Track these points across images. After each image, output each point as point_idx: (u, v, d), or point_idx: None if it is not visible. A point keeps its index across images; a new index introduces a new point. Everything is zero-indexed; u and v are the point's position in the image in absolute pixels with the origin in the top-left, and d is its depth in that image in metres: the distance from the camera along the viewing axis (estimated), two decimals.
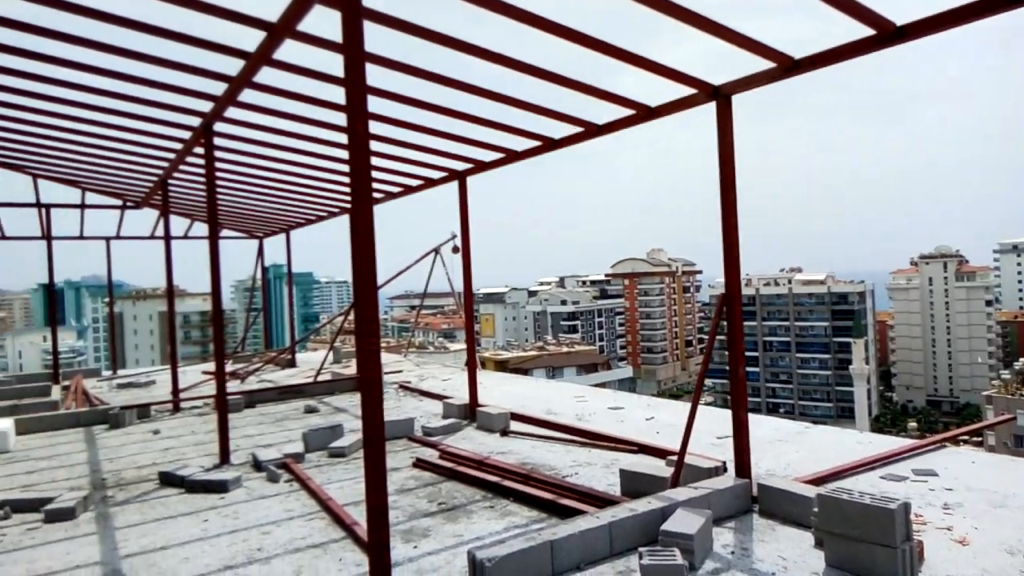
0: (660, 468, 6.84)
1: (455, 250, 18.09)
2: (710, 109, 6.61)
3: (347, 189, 13.00)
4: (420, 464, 8.22)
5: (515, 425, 10.09)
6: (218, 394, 8.89)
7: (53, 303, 17.67)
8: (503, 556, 4.69)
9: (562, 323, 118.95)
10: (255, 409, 12.83)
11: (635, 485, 6.55)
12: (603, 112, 7.79)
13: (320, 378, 15.35)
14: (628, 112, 7.49)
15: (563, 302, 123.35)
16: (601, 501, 6.30)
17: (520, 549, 4.79)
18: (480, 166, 10.46)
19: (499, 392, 13.15)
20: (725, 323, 6.57)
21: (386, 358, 20.80)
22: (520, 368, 58.92)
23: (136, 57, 6.83)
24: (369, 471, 4.28)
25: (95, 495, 7.60)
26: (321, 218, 16.89)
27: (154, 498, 7.44)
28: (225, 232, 19.67)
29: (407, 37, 5.90)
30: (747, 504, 6.07)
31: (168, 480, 7.89)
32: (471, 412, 10.81)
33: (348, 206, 14.99)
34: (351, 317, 16.61)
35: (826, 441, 8.44)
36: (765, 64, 6.00)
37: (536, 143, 9.07)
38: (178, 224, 18.14)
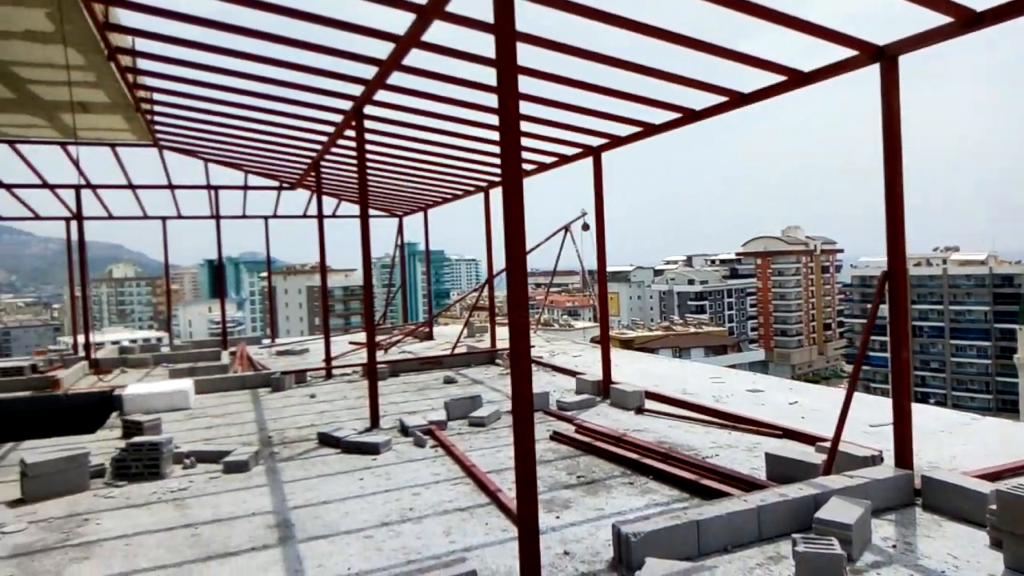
0: (809, 454, 6.55)
1: (585, 228, 18.02)
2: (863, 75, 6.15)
3: (484, 168, 13.33)
4: (557, 437, 8.36)
5: (649, 403, 9.99)
6: (369, 363, 9.47)
7: (222, 277, 19.52)
8: (648, 532, 4.70)
9: (689, 303, 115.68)
10: (398, 378, 13.55)
11: (782, 470, 6.31)
12: (747, 79, 7.44)
13: (456, 351, 15.93)
14: (777, 78, 7.10)
15: (690, 281, 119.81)
16: (746, 484, 6.14)
17: (665, 527, 4.78)
18: (616, 141, 10.33)
19: (630, 370, 13.06)
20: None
21: None
22: (645, 347, 58.00)
23: (293, 44, 7.28)
24: (518, 440, 4.41)
25: (264, 451, 8.37)
26: (457, 196, 17.38)
27: (315, 456, 8.08)
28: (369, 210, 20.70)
29: (531, 8, 5.86)
30: (909, 497, 5.68)
31: (326, 440, 8.54)
32: (604, 389, 10.82)
33: (484, 184, 15.36)
34: (482, 293, 17.08)
35: (997, 434, 7.70)
36: (939, 19, 5.47)
37: (675, 115, 8.82)
38: (326, 204, 19.34)
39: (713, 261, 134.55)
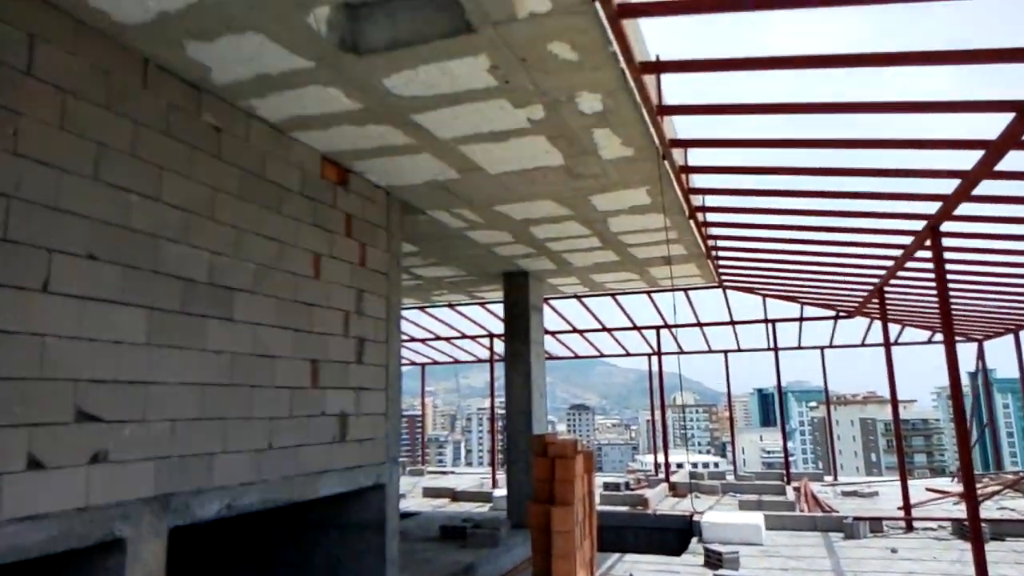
0: None
1: None
2: None
3: None
4: None
5: None
6: (972, 521, 7.93)
7: (782, 410, 19.68)
8: None
9: None
10: (1004, 543, 10.90)
11: None
12: None
13: None
14: None
15: None
16: None
17: None
18: None
19: None
20: None
21: None
22: None
23: (854, 173, 7.13)
24: None
25: None
26: None
27: None
28: (937, 336, 18.27)
29: None
30: None
31: None
32: None
33: None
34: None
35: None
36: None
37: None
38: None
39: None
